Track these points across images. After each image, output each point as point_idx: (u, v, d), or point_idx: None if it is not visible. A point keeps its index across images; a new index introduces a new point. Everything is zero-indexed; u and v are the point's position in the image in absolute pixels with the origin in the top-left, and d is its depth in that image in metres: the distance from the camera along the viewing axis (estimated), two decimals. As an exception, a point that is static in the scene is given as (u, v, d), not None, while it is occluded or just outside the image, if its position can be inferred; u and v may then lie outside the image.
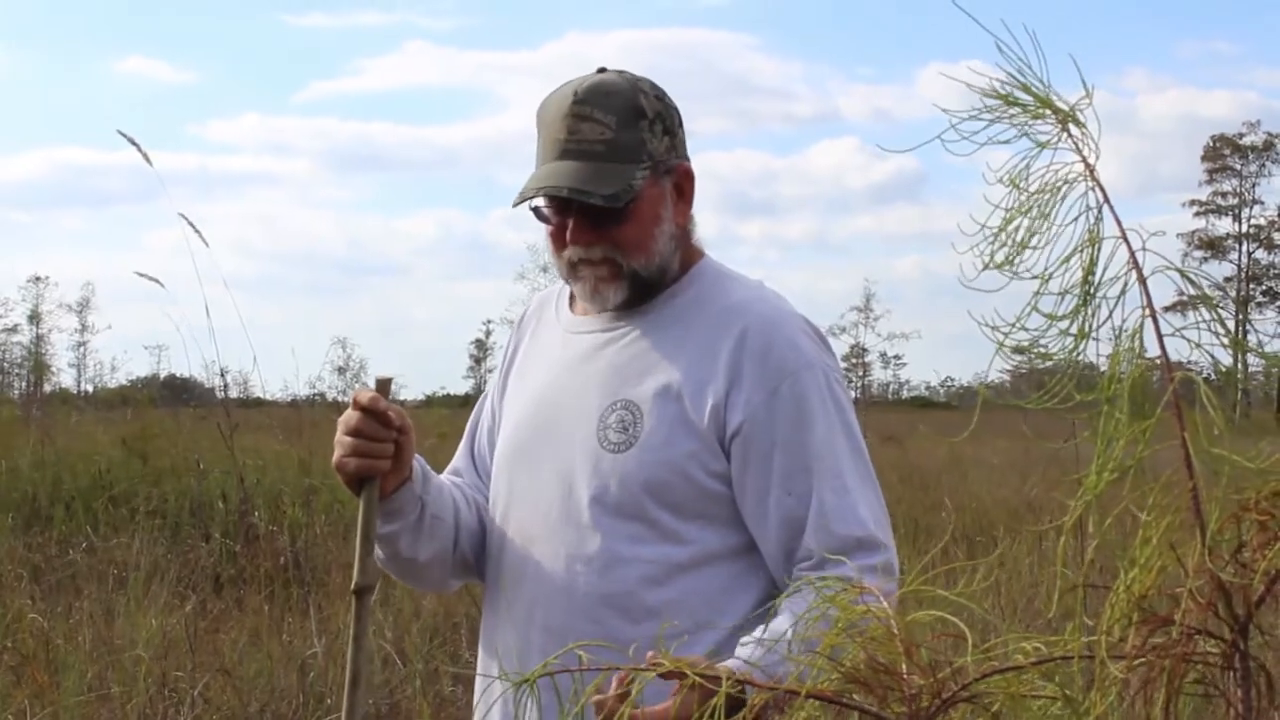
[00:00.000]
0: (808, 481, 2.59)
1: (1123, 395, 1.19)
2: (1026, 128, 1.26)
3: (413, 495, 2.70)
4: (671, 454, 2.61)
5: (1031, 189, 1.25)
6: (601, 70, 2.73)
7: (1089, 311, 1.22)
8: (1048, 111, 1.25)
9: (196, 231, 8.68)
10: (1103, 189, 1.24)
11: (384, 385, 2.66)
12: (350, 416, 2.61)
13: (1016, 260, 1.24)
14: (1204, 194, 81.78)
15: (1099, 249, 1.22)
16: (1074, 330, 1.21)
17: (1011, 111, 1.25)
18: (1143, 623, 1.23)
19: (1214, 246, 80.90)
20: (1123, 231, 1.23)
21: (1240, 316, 76.96)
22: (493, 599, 2.82)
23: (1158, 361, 1.23)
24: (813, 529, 2.57)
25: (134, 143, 8.58)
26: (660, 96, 2.72)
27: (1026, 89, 1.24)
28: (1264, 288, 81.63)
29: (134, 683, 6.93)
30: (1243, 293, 79.83)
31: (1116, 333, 1.22)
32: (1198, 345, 1.20)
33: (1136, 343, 1.21)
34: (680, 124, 2.76)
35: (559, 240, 2.69)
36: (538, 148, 2.70)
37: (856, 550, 2.54)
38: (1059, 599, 1.27)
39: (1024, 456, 20.99)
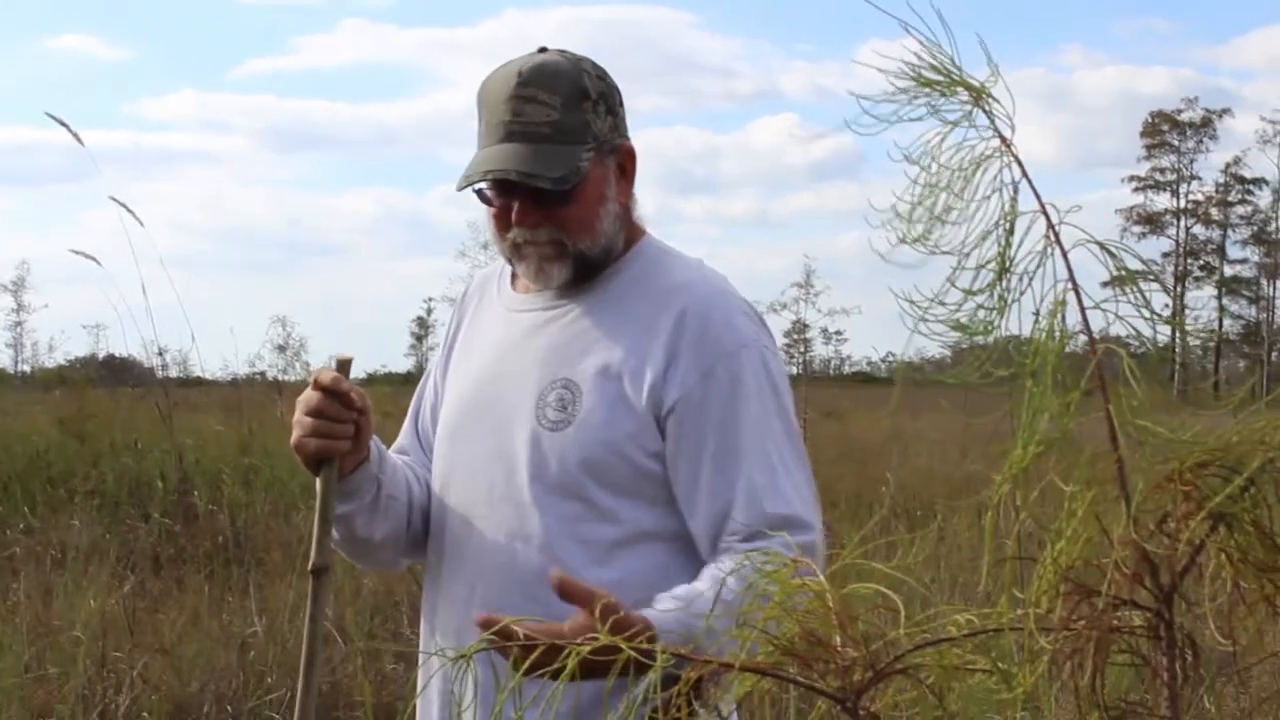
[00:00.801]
0: (738, 461, 2.59)
1: (1046, 369, 1.20)
2: (937, 106, 1.26)
3: (369, 475, 2.70)
4: (609, 433, 2.61)
5: (947, 165, 1.25)
6: (543, 50, 2.72)
7: (1005, 285, 1.23)
8: (960, 89, 1.25)
9: (130, 212, 8.61)
10: (1020, 163, 1.24)
11: (345, 365, 2.65)
12: (311, 397, 2.61)
13: (933, 236, 1.24)
14: (1143, 170, 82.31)
15: (1014, 223, 1.23)
16: (992, 305, 1.22)
17: (924, 91, 1.25)
18: (1070, 594, 1.24)
19: (1152, 222, 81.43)
20: (1041, 205, 1.24)
21: (1178, 291, 77.61)
22: (434, 576, 2.83)
23: (1082, 333, 1.24)
24: (740, 507, 2.57)
25: (63, 124, 8.51)
26: (602, 76, 2.71)
27: (936, 68, 1.25)
28: (1201, 263, 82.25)
29: (72, 664, 6.89)
30: (1180, 268, 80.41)
31: (1038, 306, 1.23)
32: (1119, 318, 1.21)
33: (1059, 316, 1.22)
34: (621, 103, 2.75)
35: (503, 222, 2.68)
36: (480, 129, 2.69)
37: (782, 529, 2.52)
38: (987, 573, 1.28)
39: (964, 431, 21.09)
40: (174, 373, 13.71)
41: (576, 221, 2.66)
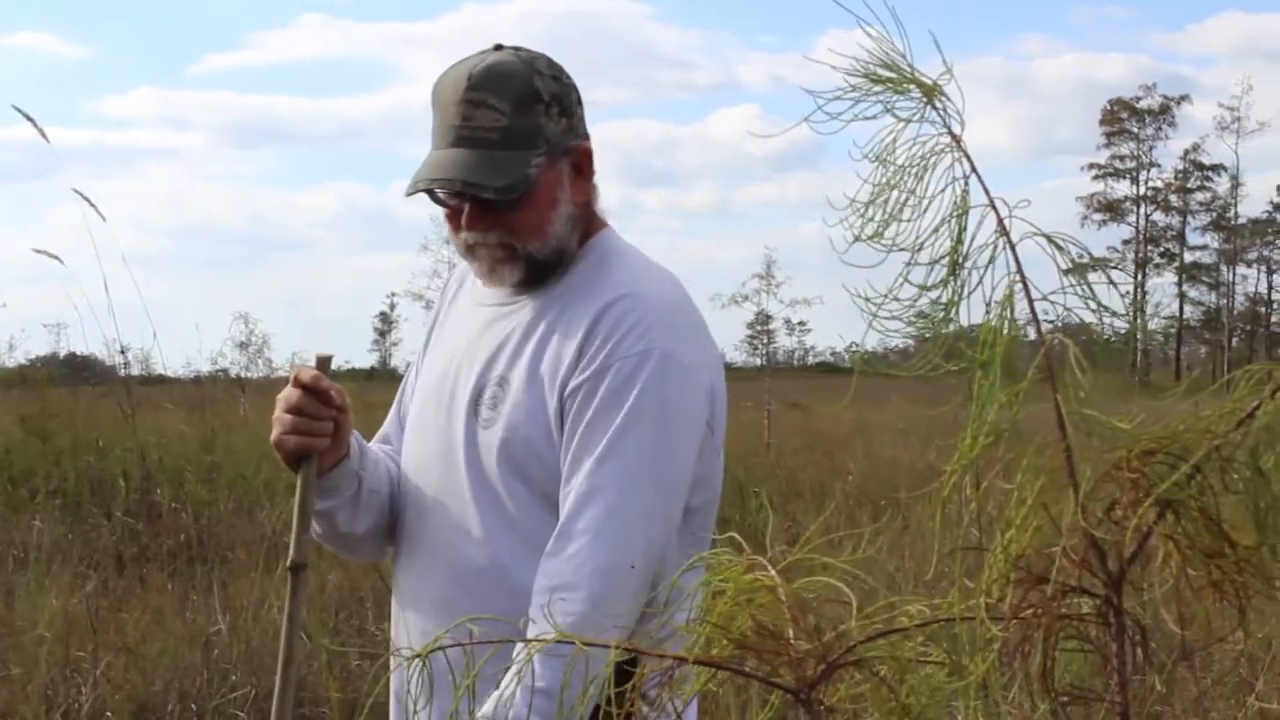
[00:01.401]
0: (584, 462, 2.52)
1: (995, 360, 1.21)
2: (890, 104, 1.27)
3: (350, 472, 2.71)
4: (528, 432, 2.59)
5: (899, 163, 1.26)
6: (498, 47, 2.68)
7: (958, 280, 1.24)
8: (912, 87, 1.26)
9: (93, 207, 8.57)
10: (969, 159, 1.25)
11: (324, 363, 2.66)
12: (290, 394, 2.61)
13: (887, 233, 1.25)
14: (1102, 158, 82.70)
15: (966, 217, 1.24)
16: (944, 299, 1.23)
17: (877, 89, 1.26)
18: (1020, 582, 1.25)
19: (1112, 209, 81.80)
20: (990, 199, 1.25)
21: (1139, 279, 77.94)
22: (396, 567, 2.84)
23: (1029, 324, 1.25)
24: (569, 509, 2.52)
25: (29, 118, 8.46)
26: (557, 76, 2.67)
27: (888, 65, 1.25)
28: (1161, 249, 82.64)
29: (35, 664, 6.87)
30: (1141, 255, 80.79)
31: (988, 299, 1.24)
32: (1066, 309, 1.22)
33: (1007, 308, 1.23)
34: (579, 101, 2.71)
35: (455, 223, 2.68)
36: (432, 128, 2.67)
37: (587, 540, 2.48)
38: (937, 563, 1.29)
39: (928, 421, 21.17)
40: (136, 371, 13.64)
41: (526, 226, 2.63)
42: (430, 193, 2.66)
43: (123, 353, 11.07)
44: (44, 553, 9.04)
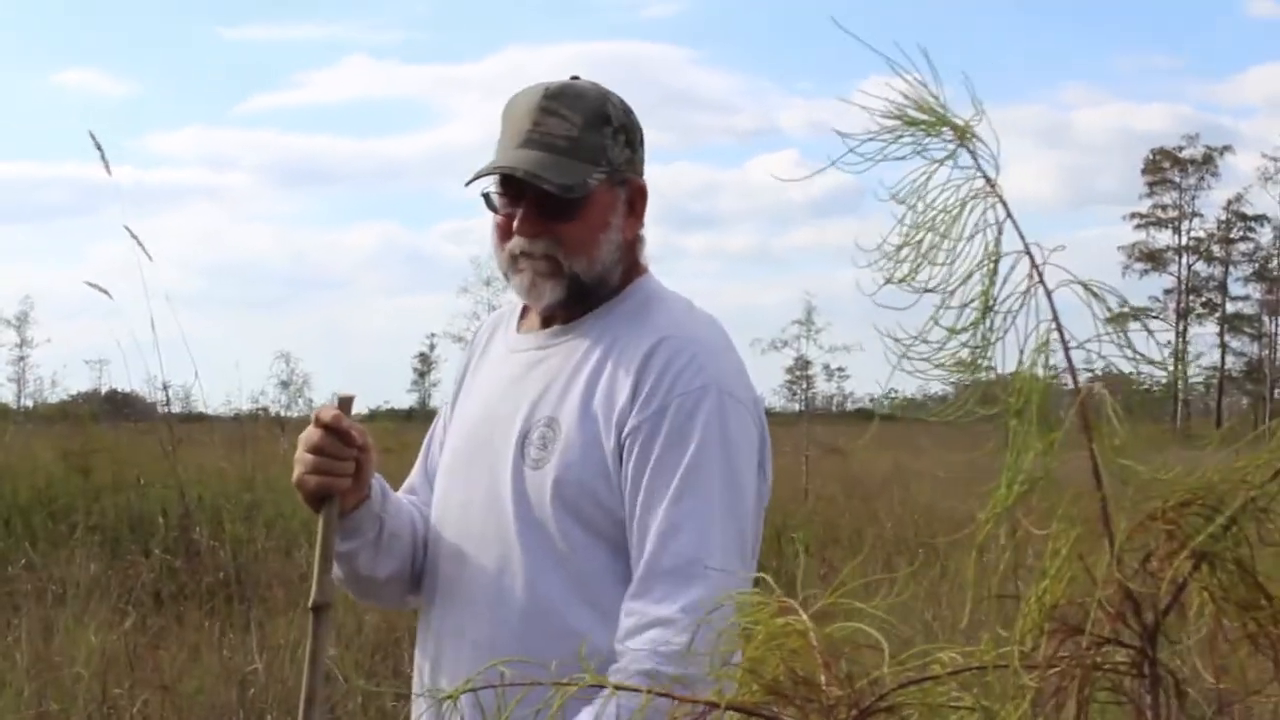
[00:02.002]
0: (662, 501, 2.55)
1: (1031, 407, 1.21)
2: (922, 145, 1.27)
3: (371, 513, 2.71)
4: (583, 473, 2.61)
5: (932, 205, 1.27)
6: (574, 78, 2.76)
7: (989, 324, 1.24)
8: (945, 129, 1.27)
9: (140, 245, 8.64)
10: (1004, 203, 1.25)
11: (346, 403, 2.67)
12: (312, 434, 2.62)
13: (919, 276, 1.25)
14: (1144, 207, 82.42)
15: (998, 263, 1.24)
16: (974, 343, 1.23)
17: (909, 130, 1.27)
18: (1054, 632, 1.25)
19: (1154, 259, 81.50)
20: (1025, 245, 1.25)
21: (1180, 329, 77.56)
22: (426, 613, 2.84)
23: (1066, 372, 1.25)
24: (652, 549, 2.54)
25: (99, 147, 8.54)
26: (628, 111, 2.75)
27: (922, 107, 1.26)
28: (1203, 300, 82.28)
29: (73, 700, 6.89)
30: (1183, 305, 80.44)
31: (1021, 345, 1.24)
32: (1101, 357, 1.22)
33: (1042, 355, 1.22)
34: (642, 143, 2.79)
35: (504, 231, 2.70)
36: (499, 140, 2.72)
37: (675, 578, 2.50)
38: (970, 610, 1.28)
39: (967, 468, 21.09)
40: (176, 408, 13.71)
41: (575, 239, 2.67)
42: (486, 199, 2.70)
43: (164, 389, 11.13)
44: (82, 589, 9.07)
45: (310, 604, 2.60)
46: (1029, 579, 1.27)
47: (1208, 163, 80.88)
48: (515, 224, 2.67)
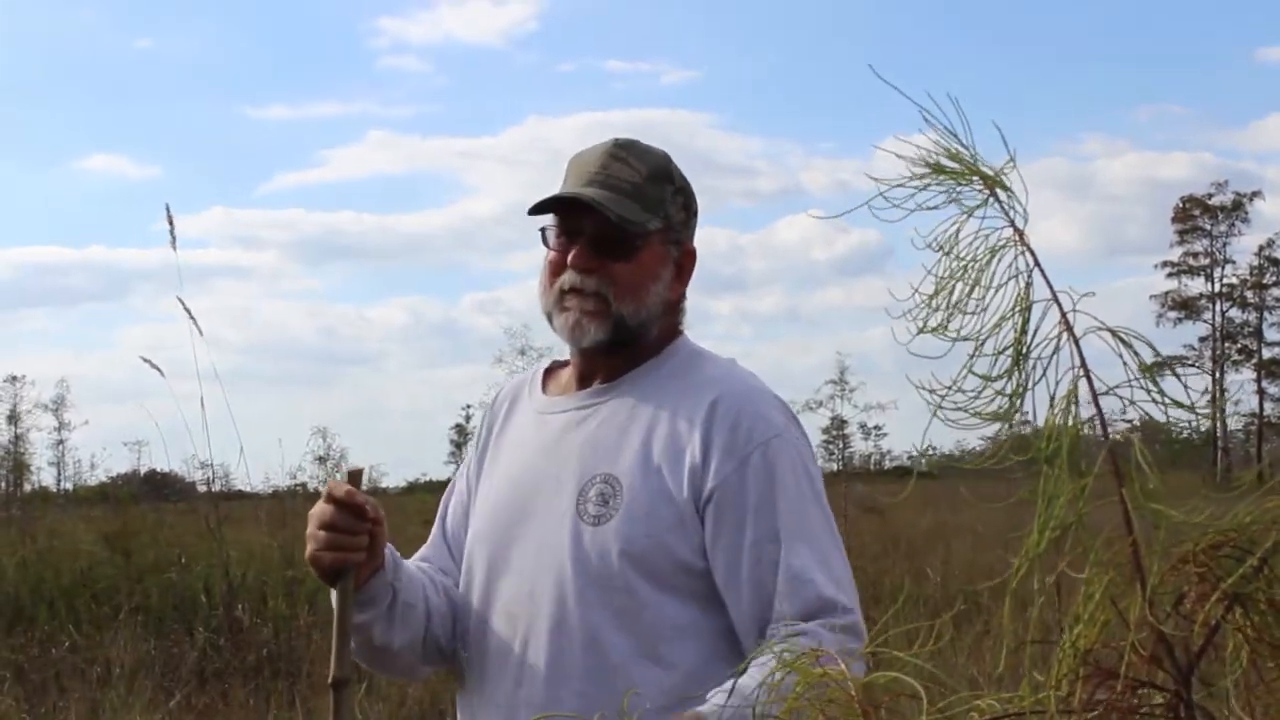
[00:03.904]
0: (777, 548, 2.61)
1: (1061, 454, 1.22)
2: (954, 194, 1.30)
3: (385, 583, 2.72)
4: (652, 526, 2.64)
5: (962, 254, 1.29)
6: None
7: (1022, 373, 1.25)
8: (975, 178, 1.29)
9: (193, 319, 8.76)
10: (1032, 253, 1.27)
11: (356, 476, 2.68)
12: (324, 510, 2.63)
13: (951, 325, 1.27)
14: (1175, 255, 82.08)
15: (1029, 312, 1.26)
16: (1008, 391, 1.25)
17: (940, 179, 1.29)
18: (1089, 677, 1.25)
19: (1187, 307, 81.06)
20: (1054, 294, 1.27)
21: (1217, 375, 77.08)
22: (475, 679, 2.82)
23: (1095, 420, 1.26)
24: (782, 595, 2.59)
25: (170, 221, 8.74)
26: (686, 180, 2.83)
27: (954, 156, 1.28)
28: (1239, 346, 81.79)
29: (120, 780, 6.90)
30: (1218, 352, 79.97)
31: (1052, 392, 1.25)
32: (1132, 403, 1.23)
33: (1072, 402, 1.24)
34: (696, 213, 2.87)
35: (557, 266, 2.76)
36: (564, 184, 2.79)
37: (822, 614, 2.57)
38: (1006, 656, 1.30)
39: (1007, 523, 21.00)
40: (217, 487, 13.76)
41: (627, 281, 2.73)
42: (543, 234, 2.78)
43: (209, 468, 11.18)
44: (127, 669, 9.10)
45: (330, 680, 2.59)
46: (1061, 624, 1.28)
47: (1238, 209, 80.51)
48: (570, 257, 2.72)
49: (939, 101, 1.32)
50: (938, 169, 1.29)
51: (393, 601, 2.74)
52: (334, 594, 2.65)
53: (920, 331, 1.29)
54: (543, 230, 2.78)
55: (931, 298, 1.27)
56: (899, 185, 1.29)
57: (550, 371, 2.99)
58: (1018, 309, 1.25)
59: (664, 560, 2.64)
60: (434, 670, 3.02)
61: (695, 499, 2.64)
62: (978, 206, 1.29)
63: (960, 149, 1.29)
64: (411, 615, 2.78)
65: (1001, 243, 1.29)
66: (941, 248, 1.28)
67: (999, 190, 1.30)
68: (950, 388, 1.24)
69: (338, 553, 2.62)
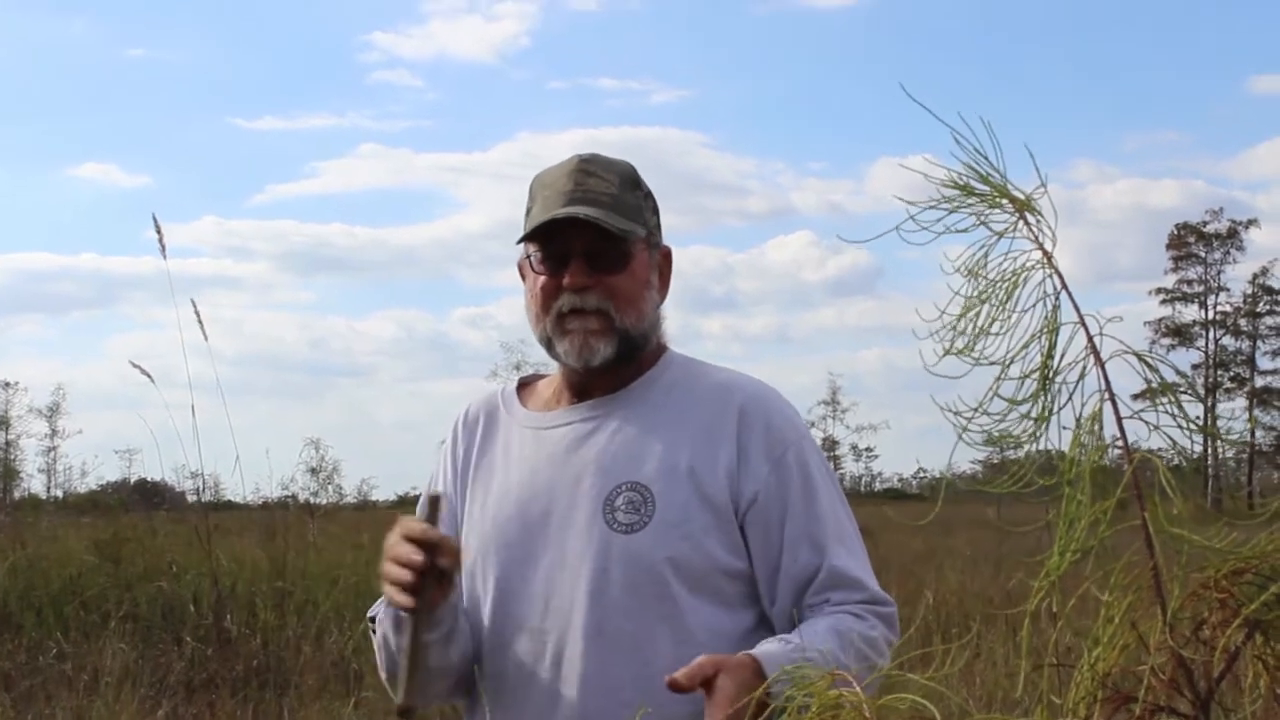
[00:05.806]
0: (816, 546, 2.67)
1: (1084, 477, 1.22)
2: (984, 217, 1.29)
3: (450, 606, 2.66)
4: (689, 529, 2.64)
5: (990, 277, 1.28)
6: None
7: (1049, 396, 1.25)
8: (1004, 201, 1.28)
9: (200, 324, 8.75)
10: (1060, 276, 1.27)
11: (435, 501, 2.61)
12: (403, 550, 2.54)
13: (977, 347, 1.27)
14: (1169, 282, 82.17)
15: (1057, 334, 1.25)
16: (1034, 414, 1.24)
17: (969, 201, 1.28)
18: (1107, 700, 1.25)
19: (1181, 334, 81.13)
20: (1081, 317, 1.26)
21: (1209, 403, 77.06)
22: (498, 696, 2.76)
23: (1118, 444, 1.26)
24: (819, 589, 2.65)
25: (158, 228, 8.69)
26: (648, 188, 2.85)
27: (984, 179, 1.27)
28: (1231, 374, 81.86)
29: (107, 789, 6.87)
30: (1211, 379, 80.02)
31: (1077, 416, 1.25)
32: (1156, 428, 1.23)
33: (1096, 426, 1.23)
34: (659, 213, 2.88)
35: (551, 292, 2.73)
36: (534, 208, 2.76)
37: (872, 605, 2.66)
38: (1024, 682, 1.29)
39: (996, 547, 21.04)
40: (207, 496, 13.73)
41: (625, 293, 2.73)
42: (530, 262, 2.77)
43: (199, 478, 11.14)
44: (114, 678, 9.06)
45: (397, 709, 2.51)
46: (1079, 648, 1.27)
47: (1233, 236, 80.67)
48: (566, 279, 2.71)
49: (952, 125, 1.31)
50: (968, 191, 1.28)
51: (455, 623, 2.70)
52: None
53: (947, 353, 1.28)
54: (520, 265, 2.79)
55: (958, 319, 1.27)
56: (930, 207, 1.29)
57: (524, 386, 2.97)
58: (1045, 331, 1.25)
59: (702, 564, 2.65)
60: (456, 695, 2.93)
61: (735, 501, 2.68)
62: (1007, 229, 1.28)
63: (990, 171, 1.28)
64: (462, 637, 2.74)
65: (1031, 264, 1.28)
66: (972, 270, 1.28)
67: (1027, 213, 1.29)
68: (977, 409, 1.23)
69: (413, 596, 2.52)
